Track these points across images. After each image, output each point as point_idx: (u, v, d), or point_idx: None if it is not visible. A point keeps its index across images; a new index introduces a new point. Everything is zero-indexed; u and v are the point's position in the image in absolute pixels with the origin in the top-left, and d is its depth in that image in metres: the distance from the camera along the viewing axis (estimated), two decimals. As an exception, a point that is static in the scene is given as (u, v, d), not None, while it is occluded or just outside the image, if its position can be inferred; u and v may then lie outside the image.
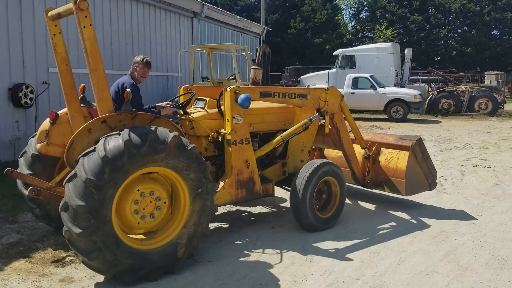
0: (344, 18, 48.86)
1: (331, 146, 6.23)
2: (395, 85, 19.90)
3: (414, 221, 5.69)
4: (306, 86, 22.08)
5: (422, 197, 6.70)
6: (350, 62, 21.61)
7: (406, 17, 44.54)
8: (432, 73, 25.38)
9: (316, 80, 22.18)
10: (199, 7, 15.25)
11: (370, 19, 46.29)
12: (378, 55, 20.81)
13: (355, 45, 30.03)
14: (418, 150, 5.93)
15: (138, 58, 4.89)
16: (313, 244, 4.87)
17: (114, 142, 3.65)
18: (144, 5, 12.73)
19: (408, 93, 17.74)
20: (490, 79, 35.75)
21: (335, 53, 22.55)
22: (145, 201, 3.95)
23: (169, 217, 4.16)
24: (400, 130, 15.01)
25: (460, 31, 45.86)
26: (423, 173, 6.05)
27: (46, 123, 4.65)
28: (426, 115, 19.63)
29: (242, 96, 4.79)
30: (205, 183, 4.11)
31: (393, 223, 5.59)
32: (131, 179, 3.80)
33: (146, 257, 3.87)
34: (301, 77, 23.75)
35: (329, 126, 5.76)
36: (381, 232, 5.30)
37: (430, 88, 21.43)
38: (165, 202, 4.07)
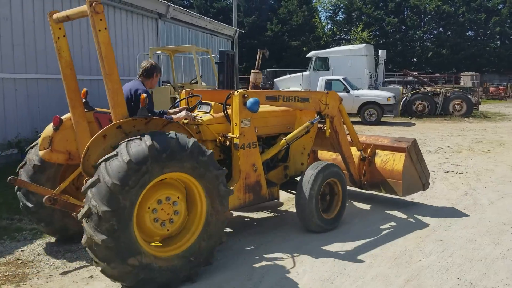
0: (321, 20, 48.69)
1: (329, 148, 6.30)
2: (369, 87, 19.57)
3: (374, 238, 5.18)
4: (282, 88, 21.65)
5: (387, 208, 6.23)
6: (323, 64, 21.24)
7: (382, 19, 44.60)
8: (407, 75, 25.19)
9: (289, 82, 21.75)
10: (164, 8, 14.62)
11: (347, 21, 46.24)
12: (352, 57, 20.47)
13: (332, 47, 29.64)
14: (413, 151, 6.09)
15: (148, 65, 4.83)
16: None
17: (137, 147, 3.61)
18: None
19: (381, 95, 17.38)
20: (466, 80, 35.89)
21: (308, 55, 22.15)
22: (163, 207, 3.90)
23: (185, 223, 4.12)
24: (374, 133, 14.62)
25: (435, 32, 46.11)
26: (418, 173, 6.19)
27: (49, 129, 4.53)
28: (400, 118, 19.34)
29: (251, 100, 4.80)
30: (222, 188, 4.10)
31: (351, 243, 5.06)
32: (152, 184, 3.73)
33: (169, 265, 3.83)
34: (275, 80, 23.30)
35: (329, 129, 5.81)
36: (338, 252, 4.78)
37: (404, 90, 21.19)
38: (180, 209, 4.02)
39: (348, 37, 45.01)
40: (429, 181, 6.46)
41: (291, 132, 5.59)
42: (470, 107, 19.84)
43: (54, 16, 4.25)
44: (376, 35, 45.16)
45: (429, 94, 20.07)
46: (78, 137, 4.45)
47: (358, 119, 17.78)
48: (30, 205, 4.60)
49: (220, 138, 4.99)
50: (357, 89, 17.84)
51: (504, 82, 39.41)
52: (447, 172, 8.65)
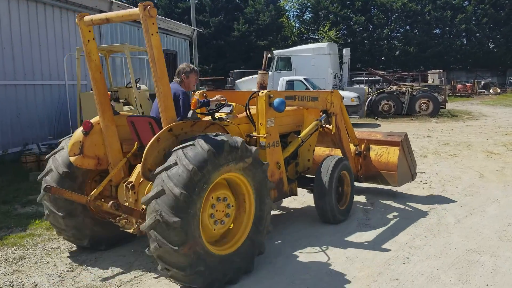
0: (289, 20, 47.96)
1: (329, 145, 6.61)
2: (334, 88, 18.70)
3: (309, 276, 4.17)
4: (243, 90, 20.62)
5: (336, 233, 5.25)
6: (286, 64, 20.28)
7: (349, 17, 44.18)
8: (373, 74, 24.52)
9: (252, 84, 20.72)
10: (106, 5, 13.34)
11: (314, 20, 45.64)
12: (315, 56, 19.57)
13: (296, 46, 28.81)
14: (405, 144, 6.52)
15: (186, 67, 4.85)
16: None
17: (195, 152, 3.67)
18: (29, 2, 10.74)
19: (344, 96, 16.42)
20: (433, 77, 35.73)
21: (270, 54, 21.14)
22: (219, 207, 4.00)
23: (235, 219, 4.23)
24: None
25: (402, 30, 45.97)
26: (408, 165, 6.66)
27: (78, 134, 4.46)
28: (366, 119, 18.54)
29: (277, 100, 4.97)
30: (267, 182, 4.29)
31: None
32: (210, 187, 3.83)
33: (229, 262, 3.97)
34: (237, 81, 22.22)
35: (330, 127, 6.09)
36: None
37: (370, 90, 20.46)
38: (232, 205, 4.14)
39: (316, 37, 44.44)
40: (416, 172, 6.90)
41: (299, 131, 5.94)
42: (437, 106, 19.24)
43: (87, 18, 4.19)
44: (344, 34, 44.76)
45: (395, 94, 19.37)
46: (107, 141, 4.47)
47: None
48: (60, 213, 4.48)
49: (245, 138, 5.07)
50: (320, 90, 16.90)
51: (470, 79, 39.43)
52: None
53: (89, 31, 4.29)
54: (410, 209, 6.21)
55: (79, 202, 4.38)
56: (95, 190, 4.42)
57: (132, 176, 4.39)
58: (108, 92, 4.53)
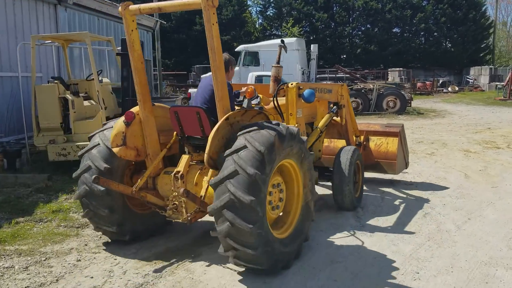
0: (252, 15, 47.49)
1: (334, 136, 6.75)
2: (302, 84, 18.36)
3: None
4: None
5: (330, 247, 4.75)
6: (253, 59, 19.77)
7: (312, 14, 44.16)
8: (339, 71, 24.38)
9: (217, 79, 20.08)
10: (61, -8, 12.30)
11: (277, 16, 45.34)
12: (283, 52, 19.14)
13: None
14: (402, 135, 6.93)
15: (230, 59, 4.79)
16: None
17: (264, 136, 3.82)
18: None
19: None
20: (394, 75, 36.21)
21: (237, 49, 20.56)
22: (274, 192, 4.15)
23: (285, 206, 4.36)
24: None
25: (363, 28, 46.38)
26: (404, 154, 7.07)
27: (120, 125, 4.42)
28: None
29: (307, 91, 5.18)
30: (313, 170, 4.50)
31: None
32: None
33: (285, 246, 4.05)
34: (202, 76, 21.44)
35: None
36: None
37: (338, 86, 20.27)
38: (284, 191, 4.28)
39: (279, 33, 44.15)
40: (409, 160, 7.35)
41: (312, 122, 6.16)
42: (404, 104, 19.25)
43: (134, 7, 4.14)
44: (307, 31, 44.68)
45: (363, 91, 19.22)
46: (146, 132, 4.49)
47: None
48: (103, 210, 4.45)
49: None
50: (289, 85, 16.46)
51: (429, 78, 40.24)
52: (394, 183, 7.39)
53: (133, 21, 4.25)
54: (404, 214, 5.79)
55: (125, 193, 4.46)
56: (139, 181, 4.51)
57: (179, 165, 4.45)
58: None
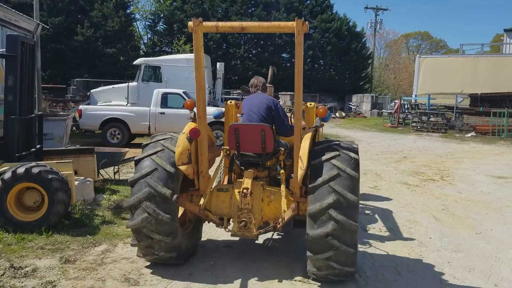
0: (140, 29, 44.86)
1: None
2: (209, 104, 16.74)
3: None
4: (101, 102, 17.33)
5: None
6: (154, 74, 17.71)
7: (204, 34, 43.03)
8: (245, 92, 23.30)
9: (112, 95, 17.60)
10: None
11: (168, 33, 43.35)
12: (189, 68, 17.41)
13: (164, 56, 26.20)
14: None
15: (260, 80, 5.29)
16: None
17: (348, 146, 4.34)
18: None
19: (220, 114, 14.61)
20: (285, 99, 36.49)
21: (136, 62, 18.32)
22: None
23: None
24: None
25: (255, 51, 46.56)
26: None
27: (185, 142, 4.31)
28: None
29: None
30: None
31: None
32: None
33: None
34: (92, 91, 18.76)
35: None
36: None
37: (246, 109, 19.07)
38: None
39: (170, 50, 42.16)
40: None
41: None
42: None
43: (211, 24, 4.14)
44: (198, 50, 43.41)
45: (213, 116, 18.22)
46: (202, 149, 4.47)
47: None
48: (169, 237, 4.32)
49: None
50: (200, 106, 14.77)
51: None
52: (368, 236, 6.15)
53: (201, 37, 4.14)
54: (408, 273, 4.49)
55: (193, 212, 4.59)
56: (202, 199, 4.49)
57: (244, 183, 4.52)
58: (192, 100, 4.64)
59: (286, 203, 4.36)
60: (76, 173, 6.60)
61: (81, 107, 14.82)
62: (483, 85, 26.97)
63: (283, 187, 4.51)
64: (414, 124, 25.87)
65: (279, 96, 35.82)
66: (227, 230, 4.59)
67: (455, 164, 12.86)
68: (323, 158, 4.13)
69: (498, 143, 19.44)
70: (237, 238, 5.51)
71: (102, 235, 5.56)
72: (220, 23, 4.10)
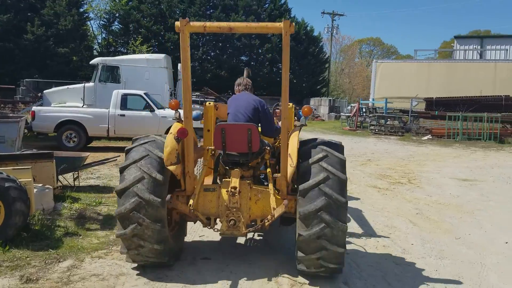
0: (94, 29, 43.39)
1: None
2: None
3: None
4: (55, 103, 16.42)
5: None
6: (112, 75, 16.99)
7: (162, 34, 42.24)
8: (209, 94, 22.89)
9: (67, 95, 16.73)
10: None
11: (124, 33, 42.13)
12: (149, 69, 16.85)
13: (122, 56, 25.28)
14: None
15: (248, 80, 5.43)
16: None
17: (336, 145, 4.46)
18: None
19: (198, 116, 14.15)
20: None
21: (92, 62, 17.50)
22: None
23: None
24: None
25: (213, 54, 46.11)
26: None
27: (173, 142, 4.28)
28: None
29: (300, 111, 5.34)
30: None
31: None
32: None
33: None
34: (45, 92, 17.72)
35: None
36: None
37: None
38: None
39: (125, 50, 40.98)
40: None
41: None
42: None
43: (198, 24, 4.16)
44: (156, 51, 42.45)
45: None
46: (189, 149, 4.43)
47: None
48: (160, 244, 4.26)
49: None
50: (162, 108, 14.28)
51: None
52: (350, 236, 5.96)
53: (188, 37, 4.13)
54: (397, 283, 4.33)
55: (183, 213, 4.59)
56: (191, 200, 4.47)
57: (232, 182, 4.53)
58: (176, 100, 4.63)
59: (275, 201, 4.43)
60: (34, 179, 6.03)
61: (34, 108, 13.94)
62: (436, 90, 27.77)
63: (271, 185, 4.58)
64: (372, 127, 26.32)
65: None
66: (215, 229, 4.59)
67: (418, 167, 13.02)
68: (312, 159, 4.22)
69: (454, 145, 20.00)
70: (218, 238, 5.60)
71: (66, 248, 5.05)
72: (208, 23, 4.13)
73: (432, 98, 26.29)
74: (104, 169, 10.20)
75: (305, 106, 4.81)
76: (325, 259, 4.14)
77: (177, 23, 4.00)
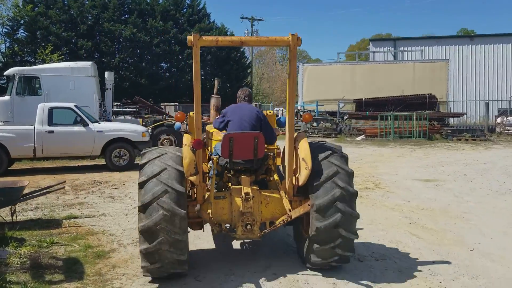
0: (-6, 37, 39.25)
1: None
2: (100, 119, 14.66)
3: None
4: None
5: None
6: (30, 86, 15.04)
7: (73, 41, 39.37)
8: (143, 104, 21.28)
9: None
10: None
11: (30, 41, 38.65)
12: (75, 78, 15.11)
13: (42, 65, 22.77)
14: None
15: (249, 91, 5.72)
16: None
17: (341, 154, 4.81)
18: None
19: (133, 129, 12.76)
20: (169, 110, 34.87)
21: (7, 72, 15.29)
22: None
23: None
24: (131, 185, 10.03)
25: (131, 61, 43.89)
26: None
27: (190, 153, 4.49)
28: (147, 157, 15.22)
29: (282, 117, 5.73)
30: None
31: None
32: None
33: None
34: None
35: None
36: None
37: (144, 122, 17.22)
38: None
39: (33, 60, 37.60)
40: None
41: None
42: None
43: (211, 39, 4.31)
44: (68, 59, 39.45)
45: (175, 128, 16.73)
46: (200, 159, 4.56)
47: (103, 162, 12.75)
48: (184, 254, 4.41)
49: None
50: (97, 121, 12.72)
51: (203, 114, 40.36)
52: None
53: (199, 51, 4.27)
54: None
55: (206, 220, 4.69)
56: (209, 208, 4.57)
57: (244, 188, 4.73)
58: (181, 112, 5.01)
59: (289, 202, 4.73)
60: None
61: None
62: (362, 91, 28.49)
63: (281, 191, 4.85)
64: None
65: (165, 106, 34.04)
66: (232, 235, 4.81)
67: (372, 169, 12.82)
68: (320, 157, 4.60)
69: (390, 145, 20.40)
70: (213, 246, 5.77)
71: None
72: (220, 38, 4.36)
73: (362, 99, 26.85)
74: (39, 198, 8.65)
75: (305, 113, 5.42)
76: (341, 247, 4.49)
77: (190, 38, 4.20)
